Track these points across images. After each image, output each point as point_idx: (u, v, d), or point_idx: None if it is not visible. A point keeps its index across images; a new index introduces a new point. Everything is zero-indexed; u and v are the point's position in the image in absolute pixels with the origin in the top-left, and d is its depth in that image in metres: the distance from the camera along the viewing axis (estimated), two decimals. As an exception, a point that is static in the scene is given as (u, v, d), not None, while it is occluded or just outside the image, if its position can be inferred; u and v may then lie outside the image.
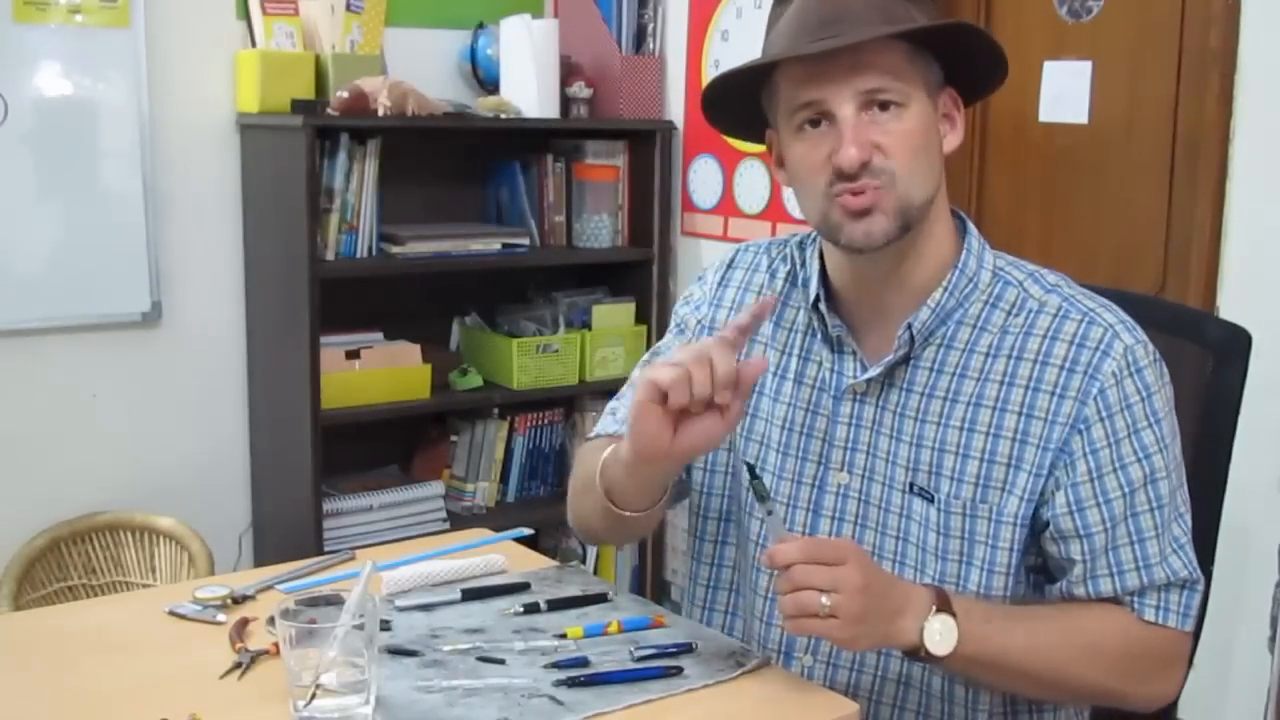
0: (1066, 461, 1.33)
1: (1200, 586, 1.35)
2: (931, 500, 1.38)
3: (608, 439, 1.52)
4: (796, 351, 1.48)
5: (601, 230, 3.32)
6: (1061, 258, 2.54)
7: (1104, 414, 1.32)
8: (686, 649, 1.39)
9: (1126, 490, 1.32)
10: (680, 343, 1.56)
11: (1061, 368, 1.34)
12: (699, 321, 1.57)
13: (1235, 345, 1.50)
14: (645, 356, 1.63)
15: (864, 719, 1.36)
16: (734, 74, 1.39)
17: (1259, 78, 2.20)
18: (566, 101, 3.28)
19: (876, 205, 1.32)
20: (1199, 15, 2.33)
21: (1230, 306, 2.24)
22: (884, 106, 1.31)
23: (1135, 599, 1.34)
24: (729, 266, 1.59)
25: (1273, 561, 2.06)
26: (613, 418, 1.58)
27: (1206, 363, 1.51)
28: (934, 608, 1.27)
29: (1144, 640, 1.34)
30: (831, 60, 1.30)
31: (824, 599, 1.22)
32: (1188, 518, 1.37)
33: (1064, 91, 2.59)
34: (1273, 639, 2.05)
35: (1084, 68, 2.55)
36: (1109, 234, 2.55)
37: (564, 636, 1.41)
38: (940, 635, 1.26)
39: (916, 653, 1.28)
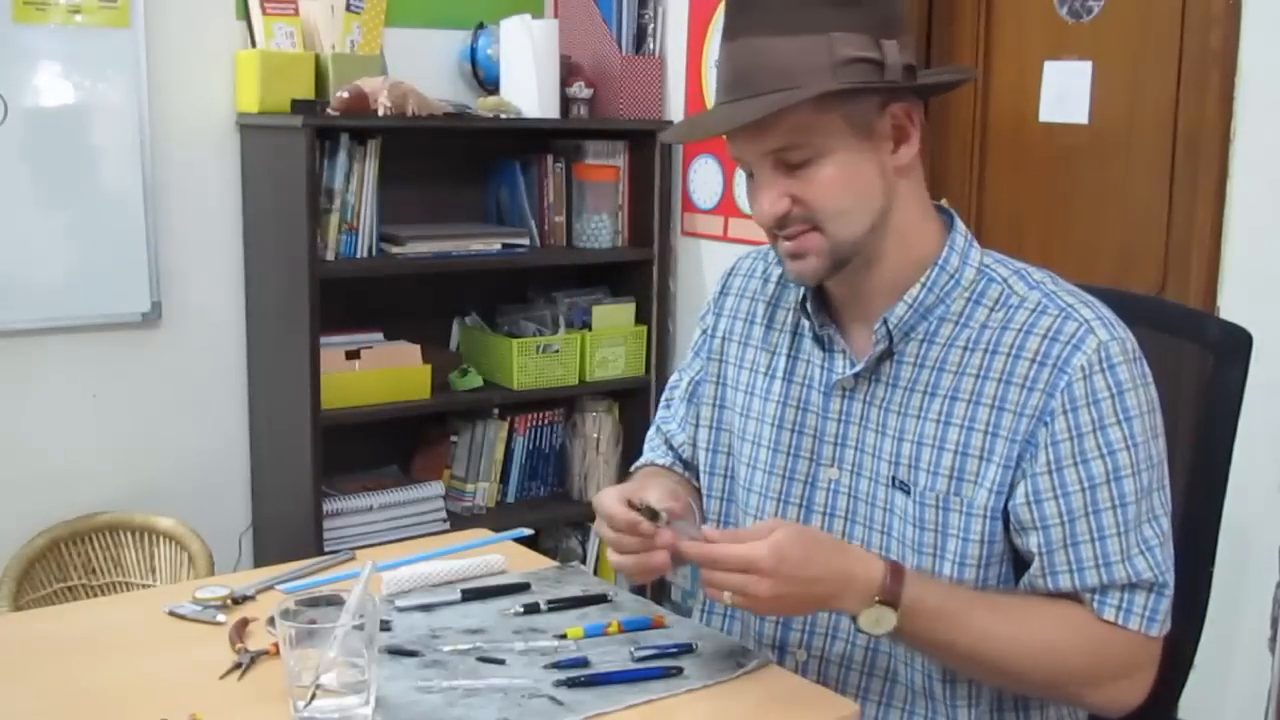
0: (1031, 453, 1.33)
1: (1169, 591, 1.33)
2: (908, 493, 1.39)
3: (649, 465, 1.67)
4: (786, 351, 1.51)
5: (601, 230, 3.32)
6: (1062, 258, 2.54)
7: (1068, 407, 1.31)
8: (686, 649, 1.39)
9: (1087, 485, 1.31)
10: (693, 360, 1.65)
11: (1033, 361, 1.34)
12: (704, 331, 1.64)
13: (1235, 345, 1.50)
14: (672, 379, 1.71)
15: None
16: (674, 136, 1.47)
17: (1259, 78, 2.20)
18: (566, 101, 3.28)
19: (806, 248, 1.37)
20: (1199, 15, 2.33)
21: (1230, 306, 2.24)
22: (793, 162, 1.34)
23: (1096, 598, 1.33)
24: (730, 274, 1.64)
25: (1273, 561, 2.06)
26: (659, 437, 1.70)
27: (1206, 363, 1.51)
28: (876, 599, 1.28)
29: (1102, 641, 1.33)
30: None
31: (725, 597, 1.28)
32: (1164, 522, 1.35)
33: (1064, 91, 2.59)
34: (1273, 639, 2.05)
35: (1084, 68, 2.55)
36: (1109, 234, 2.55)
37: (564, 637, 1.42)
38: (877, 621, 1.29)
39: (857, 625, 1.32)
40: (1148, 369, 1.36)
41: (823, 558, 1.30)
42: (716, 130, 1.41)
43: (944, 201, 1.48)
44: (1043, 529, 1.33)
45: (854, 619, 1.31)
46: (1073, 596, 1.34)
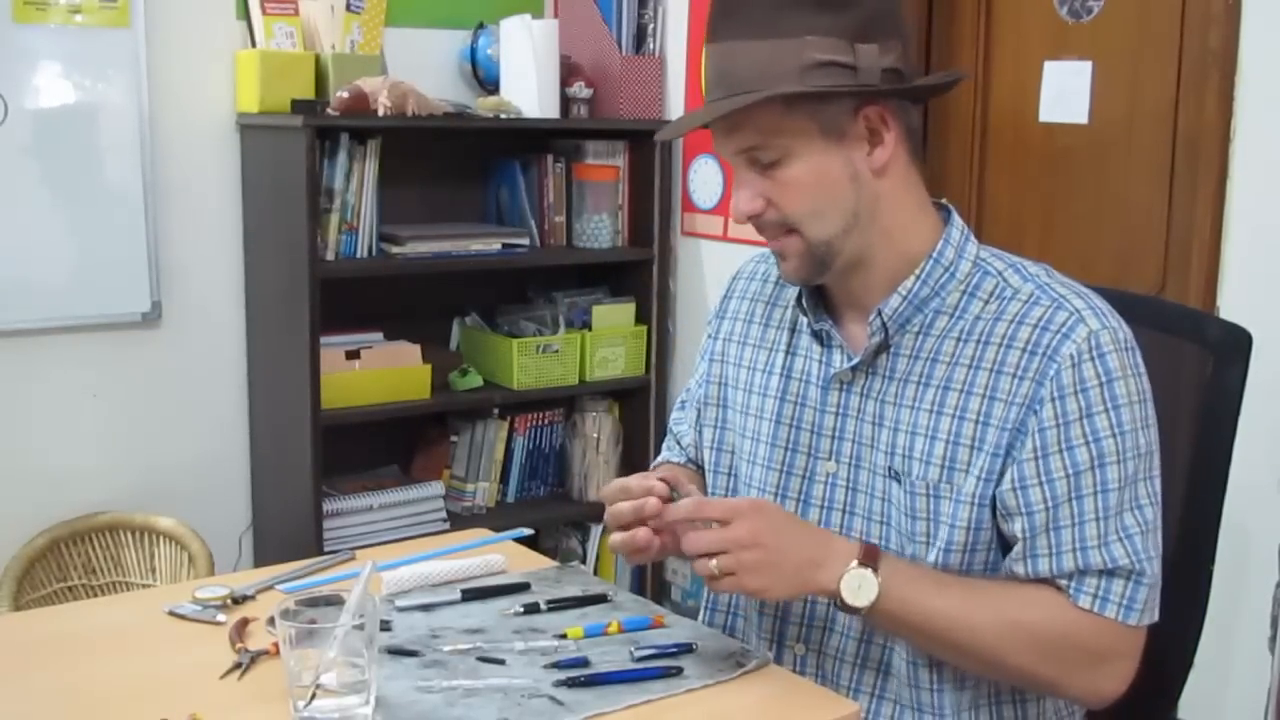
0: (1021, 441, 1.34)
1: (1147, 580, 1.33)
2: (900, 483, 1.40)
3: (665, 464, 1.69)
4: (784, 347, 1.53)
5: (601, 230, 3.32)
6: (1061, 258, 2.53)
7: (1056, 395, 1.32)
8: (686, 649, 1.39)
9: (1071, 472, 1.32)
10: (699, 364, 1.67)
11: (1024, 350, 1.35)
12: (709, 335, 1.67)
13: (1235, 345, 1.50)
14: (687, 383, 1.74)
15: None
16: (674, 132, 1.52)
17: (1259, 78, 2.20)
18: (566, 101, 3.28)
19: (787, 251, 1.41)
20: (1199, 15, 2.33)
21: (1230, 306, 2.24)
22: (764, 162, 1.37)
23: (1072, 583, 1.33)
24: (734, 278, 1.67)
25: (1273, 561, 2.06)
26: (672, 437, 1.73)
27: (1206, 363, 1.51)
28: (856, 561, 1.31)
29: (1075, 627, 1.32)
30: (716, 120, 1.39)
31: (712, 563, 1.30)
32: (1149, 511, 1.34)
33: (1064, 91, 2.59)
34: (1273, 639, 2.05)
35: (1084, 68, 2.55)
36: (1109, 234, 2.56)
37: (564, 636, 1.42)
38: (858, 588, 1.31)
39: (837, 602, 1.33)
40: (1140, 360, 1.36)
41: (801, 523, 1.41)
42: (687, 126, 1.49)
43: (943, 201, 1.48)
44: (1027, 514, 1.33)
45: (835, 601, 1.32)
46: (1050, 583, 1.34)
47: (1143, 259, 2.47)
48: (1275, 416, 1.97)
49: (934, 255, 1.41)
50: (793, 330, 1.53)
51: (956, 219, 1.45)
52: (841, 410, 1.46)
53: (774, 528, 1.32)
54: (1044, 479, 1.32)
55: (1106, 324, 1.34)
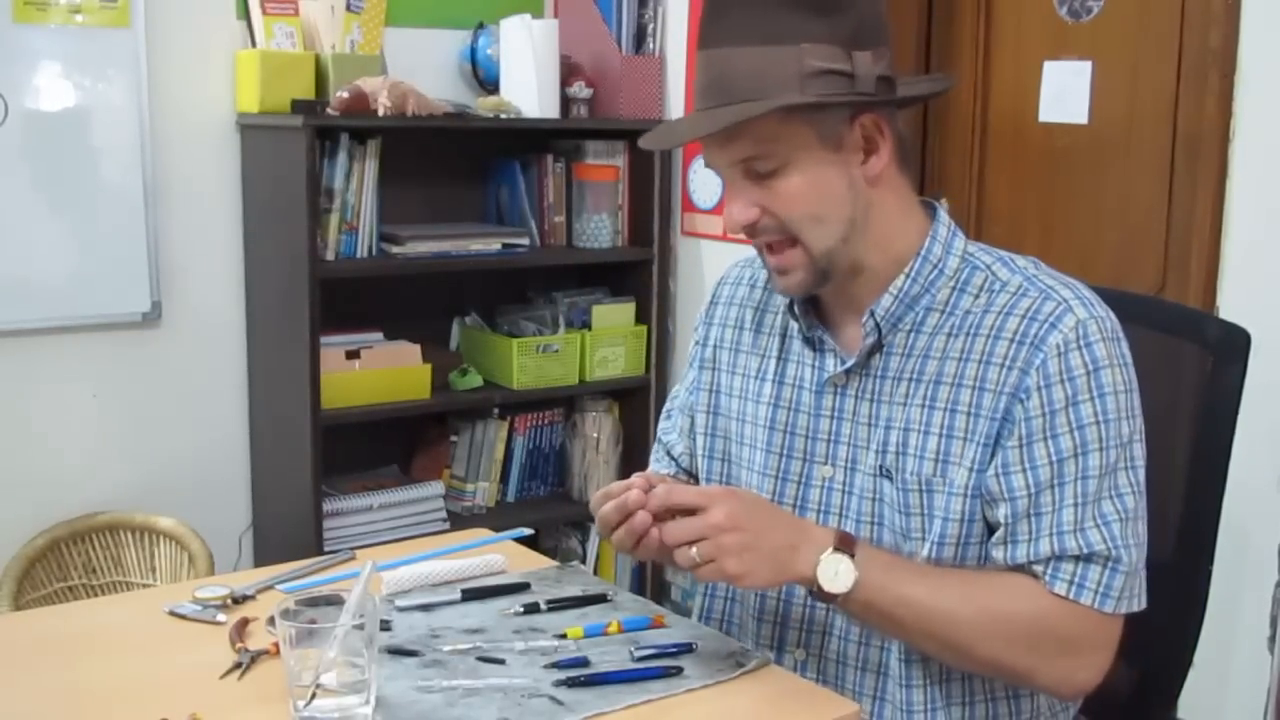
0: (1008, 429, 1.34)
1: (1124, 568, 1.32)
2: (892, 480, 1.40)
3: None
4: (776, 354, 1.53)
5: (601, 230, 3.32)
6: (1061, 258, 2.53)
7: (1043, 384, 1.32)
8: (686, 649, 1.39)
9: (1055, 459, 1.32)
10: (688, 372, 1.67)
11: (1012, 340, 1.35)
12: (697, 342, 1.66)
13: (1235, 345, 1.50)
14: (672, 391, 1.74)
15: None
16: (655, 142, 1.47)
17: (1259, 78, 2.20)
18: (566, 101, 3.28)
19: (789, 264, 1.40)
20: (1199, 15, 2.33)
21: (1230, 306, 2.24)
22: (760, 172, 1.36)
23: (1049, 570, 1.32)
24: (720, 283, 1.66)
25: (1273, 561, 2.06)
26: (661, 448, 1.71)
27: (1206, 363, 1.51)
28: (832, 547, 1.31)
29: (1051, 614, 1.32)
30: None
31: (692, 551, 1.28)
32: (1129, 500, 1.33)
33: (1064, 91, 2.59)
34: (1273, 639, 2.05)
35: (1084, 68, 2.56)
36: (1109, 234, 2.56)
37: (564, 636, 1.42)
38: (835, 574, 1.31)
39: (814, 589, 1.32)
40: (1127, 351, 1.36)
41: (775, 509, 1.41)
42: (682, 139, 1.47)
43: (942, 200, 1.48)
44: (1009, 500, 1.33)
45: (813, 589, 1.32)
46: (1028, 570, 1.34)
47: (1143, 259, 2.48)
48: (1275, 416, 1.97)
49: (922, 253, 1.41)
50: (784, 336, 1.53)
51: (942, 215, 1.45)
52: (836, 414, 1.46)
53: (750, 512, 1.32)
54: (1027, 465, 1.33)
55: (1094, 313, 1.35)
